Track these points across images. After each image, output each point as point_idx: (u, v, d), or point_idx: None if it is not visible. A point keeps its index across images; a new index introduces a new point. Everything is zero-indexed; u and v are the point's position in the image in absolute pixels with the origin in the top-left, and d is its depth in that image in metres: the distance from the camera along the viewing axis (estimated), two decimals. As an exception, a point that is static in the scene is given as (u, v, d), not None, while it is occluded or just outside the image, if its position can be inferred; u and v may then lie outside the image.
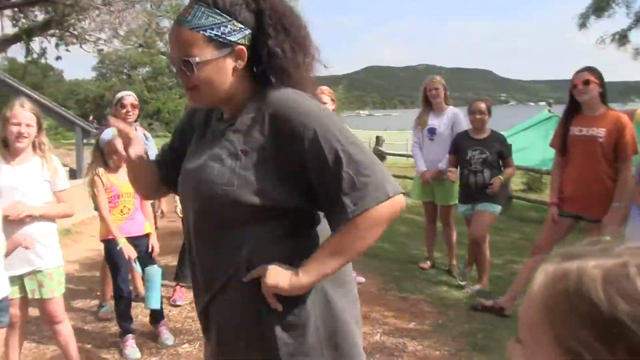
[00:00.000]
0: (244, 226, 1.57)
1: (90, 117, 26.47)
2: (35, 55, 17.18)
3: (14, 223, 3.26)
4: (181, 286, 5.36)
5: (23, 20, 15.67)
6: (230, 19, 1.54)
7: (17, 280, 3.43)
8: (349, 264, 1.70)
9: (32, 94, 9.75)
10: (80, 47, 17.27)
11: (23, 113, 3.39)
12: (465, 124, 5.70)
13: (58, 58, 17.23)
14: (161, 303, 4.46)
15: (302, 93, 1.59)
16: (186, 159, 1.76)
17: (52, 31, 15.79)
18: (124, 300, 4.31)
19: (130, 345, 4.23)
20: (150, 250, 4.36)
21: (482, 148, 5.31)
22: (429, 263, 6.27)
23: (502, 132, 6.32)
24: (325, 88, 5.32)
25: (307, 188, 1.55)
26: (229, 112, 1.69)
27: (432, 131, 5.94)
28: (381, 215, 1.50)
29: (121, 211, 4.27)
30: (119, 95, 4.95)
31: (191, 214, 1.69)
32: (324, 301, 1.63)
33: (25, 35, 15.63)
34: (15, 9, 15.24)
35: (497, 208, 5.35)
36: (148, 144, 5.09)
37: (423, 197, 6.18)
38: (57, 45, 16.51)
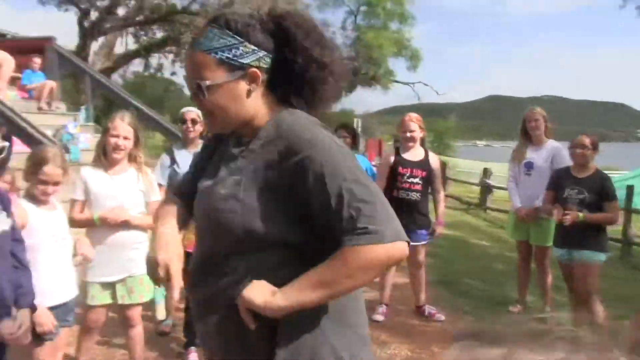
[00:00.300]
0: (245, 252, 1.50)
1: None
2: (152, 70, 18.20)
3: (109, 228, 3.46)
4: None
5: (144, 38, 16.66)
6: (242, 40, 1.49)
7: (109, 287, 3.56)
8: (360, 303, 1.61)
9: (143, 108, 10.15)
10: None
11: (122, 126, 3.52)
12: (567, 160, 5.27)
13: (173, 74, 18.17)
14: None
15: (316, 123, 1.51)
16: (201, 179, 1.70)
17: (168, 48, 16.64)
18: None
19: (193, 358, 4.21)
20: None
21: (581, 188, 4.82)
22: (519, 307, 5.81)
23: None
24: (413, 115, 5.17)
25: (308, 219, 1.46)
26: (247, 136, 1.61)
27: (529, 165, 5.57)
28: (374, 257, 1.37)
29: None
30: (182, 110, 4.99)
31: (200, 235, 1.66)
32: (320, 343, 1.48)
33: (144, 51, 16.59)
34: (137, 27, 16.22)
35: (602, 256, 4.81)
36: None
37: (517, 236, 5.78)
38: (172, 62, 17.43)
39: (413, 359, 4.47)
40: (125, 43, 16.59)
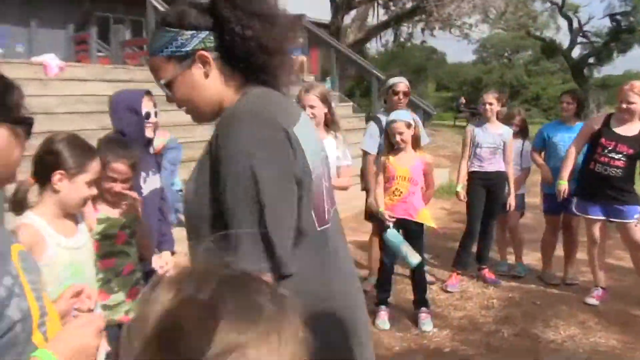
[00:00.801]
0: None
1: (461, 99, 27.29)
2: (401, 40, 18.58)
3: None
4: (457, 273, 5.31)
5: (393, 8, 17.05)
6: (178, 30, 1.51)
7: None
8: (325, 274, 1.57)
9: (381, 76, 10.53)
10: (449, 32, 18.08)
11: (307, 96, 3.78)
12: None
13: (423, 42, 18.29)
14: (426, 289, 4.53)
15: (260, 108, 1.48)
16: None
17: (417, 17, 16.80)
18: (385, 273, 4.50)
19: (382, 317, 4.42)
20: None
21: None
22: None
23: None
24: (637, 84, 4.53)
25: None
26: None
27: None
28: None
29: (393, 192, 4.38)
30: (391, 81, 5.06)
31: None
32: None
33: (394, 21, 16.98)
34: (387, -1, 16.71)
35: None
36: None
37: None
38: (422, 30, 17.56)
39: (619, 351, 4.04)
40: (377, 14, 17.18)
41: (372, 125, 4.93)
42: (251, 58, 1.51)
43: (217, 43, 1.52)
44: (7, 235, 1.29)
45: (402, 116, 4.36)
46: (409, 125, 4.30)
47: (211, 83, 1.54)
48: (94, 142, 2.59)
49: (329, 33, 15.56)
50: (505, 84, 41.13)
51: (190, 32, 1.51)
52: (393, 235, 4.17)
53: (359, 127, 10.17)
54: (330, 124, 3.93)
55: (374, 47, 24.79)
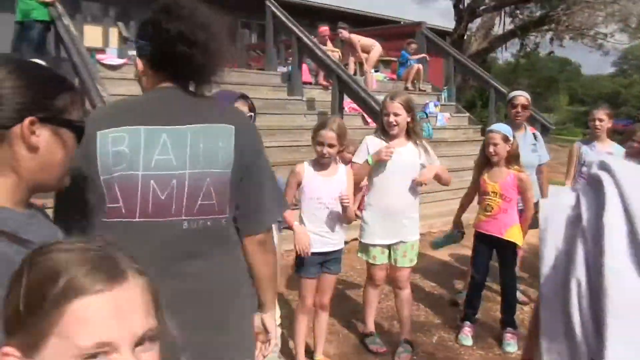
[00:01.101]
0: None
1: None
2: (528, 50, 17.87)
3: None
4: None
5: (520, 17, 16.46)
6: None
7: (386, 249, 3.97)
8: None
9: (500, 87, 10.23)
10: (581, 42, 17.17)
11: (392, 104, 3.81)
12: None
13: (550, 53, 17.49)
14: (515, 309, 4.38)
15: (112, 105, 1.98)
16: None
17: (546, 27, 16.09)
18: (474, 288, 4.40)
19: (465, 333, 4.34)
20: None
21: None
22: None
23: None
24: None
25: None
26: None
27: None
28: None
29: (485, 208, 4.28)
30: (511, 94, 4.95)
31: None
32: None
33: (520, 30, 16.37)
34: (513, 7, 16.11)
35: None
36: (537, 144, 4.95)
37: None
38: (550, 40, 16.81)
39: None
40: (503, 23, 16.66)
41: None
42: (168, 56, 1.76)
43: (149, 52, 1.82)
44: (54, 232, 1.31)
45: (501, 128, 4.24)
46: (505, 139, 4.16)
47: (144, 82, 1.90)
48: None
49: (452, 41, 15.33)
50: (646, 99, 38.32)
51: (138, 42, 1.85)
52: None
53: (474, 139, 9.94)
54: (411, 132, 3.89)
55: (505, 56, 24.05)
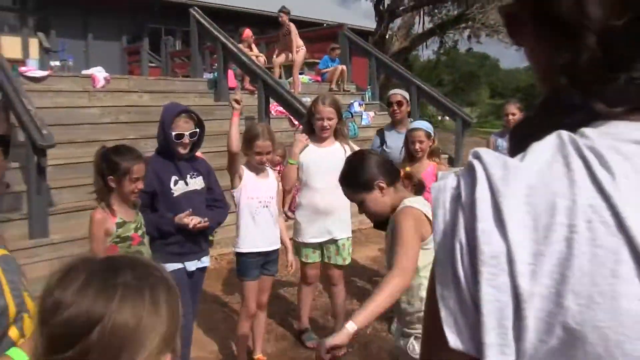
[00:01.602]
0: None
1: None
2: (447, 47, 18.49)
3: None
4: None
5: (438, 16, 17.03)
6: None
7: (317, 248, 4.12)
8: None
9: (421, 84, 10.59)
10: (497, 38, 17.89)
11: (324, 109, 3.96)
12: None
13: (469, 49, 18.17)
14: None
15: None
16: None
17: (463, 24, 16.71)
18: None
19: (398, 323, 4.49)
20: None
21: None
22: None
23: None
24: None
25: None
26: None
27: None
28: None
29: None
30: (389, 93, 5.24)
31: None
32: None
33: (439, 29, 16.94)
34: (431, 6, 16.66)
35: None
36: None
37: None
38: (468, 38, 17.47)
39: None
40: (422, 22, 17.18)
41: (375, 138, 5.21)
42: None
43: None
44: None
45: (424, 125, 4.45)
46: (429, 136, 4.38)
47: None
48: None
49: (374, 42, 15.69)
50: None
51: None
52: None
53: (396, 136, 10.25)
54: (338, 133, 4.07)
55: (426, 54, 24.68)
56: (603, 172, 0.62)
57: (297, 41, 10.64)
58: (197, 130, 3.43)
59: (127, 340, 0.86)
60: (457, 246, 0.65)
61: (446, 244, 0.66)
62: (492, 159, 0.66)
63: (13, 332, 1.41)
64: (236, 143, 3.62)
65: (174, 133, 3.31)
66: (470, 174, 0.67)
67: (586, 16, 0.66)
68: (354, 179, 2.57)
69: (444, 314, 0.66)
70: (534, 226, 0.62)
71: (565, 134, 0.66)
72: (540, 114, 0.74)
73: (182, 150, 3.37)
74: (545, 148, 0.66)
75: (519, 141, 0.70)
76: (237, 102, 3.67)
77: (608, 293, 0.58)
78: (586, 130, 0.66)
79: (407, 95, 5.14)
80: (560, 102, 0.69)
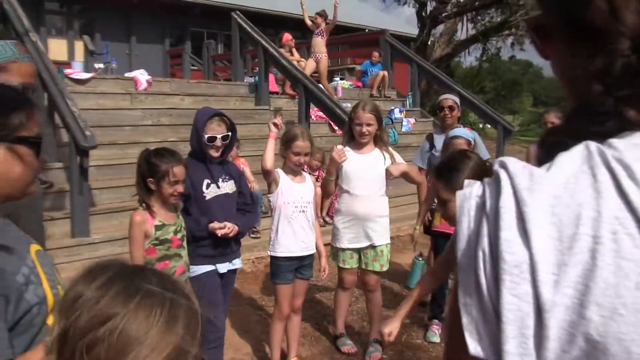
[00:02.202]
0: None
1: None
2: (490, 54, 18.26)
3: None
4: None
5: (481, 23, 16.83)
6: None
7: (355, 253, 4.11)
8: None
9: (462, 91, 10.48)
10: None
11: (364, 115, 3.95)
12: None
13: (511, 57, 17.91)
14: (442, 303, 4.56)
15: None
16: None
17: (507, 32, 16.48)
18: (440, 288, 4.52)
19: (433, 330, 4.52)
20: None
21: None
22: None
23: None
24: None
25: None
26: None
27: None
28: None
29: (443, 210, 4.45)
30: (440, 97, 5.18)
31: None
32: None
33: (482, 36, 16.74)
34: (474, 13, 16.47)
35: None
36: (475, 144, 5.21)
37: None
38: (512, 45, 17.23)
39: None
40: (466, 29, 17.02)
41: (424, 142, 5.13)
42: None
43: None
44: (26, 238, 1.48)
45: (463, 133, 4.40)
46: (469, 144, 4.32)
47: None
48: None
49: (416, 48, 15.59)
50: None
51: None
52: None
53: (438, 143, 10.15)
54: (378, 139, 4.05)
55: (468, 61, 24.46)
56: (630, 183, 0.61)
57: (320, 48, 10.48)
58: (229, 133, 3.44)
59: (132, 346, 0.85)
60: (480, 254, 0.65)
61: (469, 252, 0.67)
62: (518, 168, 0.66)
63: (51, 321, 1.43)
64: (270, 162, 3.65)
65: (206, 136, 3.34)
66: (495, 183, 0.67)
67: (621, 22, 0.66)
68: (449, 176, 2.52)
69: (465, 320, 0.66)
70: (558, 237, 0.62)
71: (593, 144, 0.66)
72: (571, 123, 0.74)
73: (214, 154, 3.40)
74: (572, 158, 0.66)
75: (548, 150, 0.71)
76: (276, 125, 3.69)
77: (632, 305, 0.58)
78: (614, 141, 0.65)
79: (458, 100, 5.09)
80: (592, 110, 0.69)
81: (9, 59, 2.15)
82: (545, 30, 0.77)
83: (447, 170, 2.56)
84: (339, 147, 4.04)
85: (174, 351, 0.87)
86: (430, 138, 5.08)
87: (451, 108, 4.96)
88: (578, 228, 0.61)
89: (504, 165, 0.67)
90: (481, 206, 0.67)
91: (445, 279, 3.51)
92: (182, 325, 0.90)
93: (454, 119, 5.00)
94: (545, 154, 0.71)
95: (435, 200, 4.60)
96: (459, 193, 0.71)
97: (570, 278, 0.60)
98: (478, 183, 0.70)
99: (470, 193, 0.69)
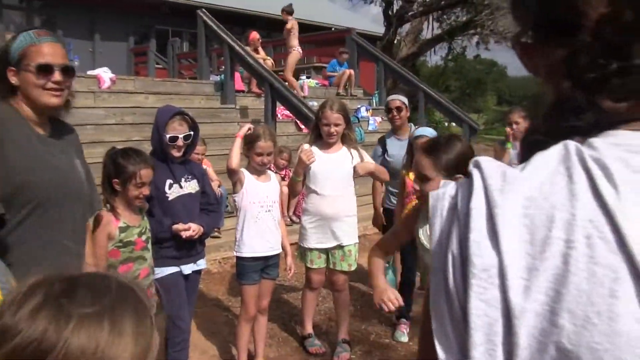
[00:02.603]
0: None
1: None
2: (456, 53, 18.44)
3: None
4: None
5: (447, 22, 16.99)
6: None
7: (323, 253, 4.08)
8: None
9: (428, 89, 10.56)
10: (506, 45, 17.83)
11: (332, 115, 3.91)
12: None
13: (477, 56, 18.12)
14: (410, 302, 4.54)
15: None
16: None
17: (472, 31, 16.67)
18: (406, 286, 4.54)
19: (401, 329, 4.51)
20: None
21: None
22: None
23: None
24: None
25: None
26: None
27: None
28: None
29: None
30: (388, 98, 5.15)
31: None
32: None
33: (447, 35, 16.90)
34: (440, 12, 16.62)
35: None
36: None
37: None
38: (477, 44, 17.43)
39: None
40: (431, 28, 17.15)
41: (377, 146, 5.07)
42: None
43: None
44: None
45: (428, 132, 4.40)
46: None
47: None
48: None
49: (382, 47, 15.64)
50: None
51: None
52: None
53: (404, 141, 10.21)
54: (346, 138, 4.02)
55: (434, 60, 24.72)
56: (607, 185, 0.59)
57: (291, 41, 10.65)
58: (192, 133, 3.39)
59: None
60: (450, 257, 0.64)
61: (440, 254, 0.65)
62: (492, 168, 0.64)
63: None
64: (235, 162, 3.61)
65: (168, 136, 3.28)
66: (468, 184, 0.66)
67: (579, 14, 0.65)
68: (437, 154, 2.50)
69: (435, 325, 0.65)
70: (530, 240, 0.60)
71: (572, 144, 0.64)
72: (547, 120, 0.72)
73: (175, 153, 3.34)
74: (549, 158, 0.64)
75: (529, 150, 0.68)
76: (249, 129, 3.67)
77: (605, 313, 0.56)
78: (595, 141, 0.63)
79: (406, 100, 4.99)
80: (566, 105, 0.68)
81: (27, 44, 2.12)
82: (526, 42, 0.75)
83: (437, 149, 2.56)
84: (306, 146, 4.00)
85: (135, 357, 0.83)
86: (382, 142, 5.01)
87: (399, 109, 4.87)
88: (551, 231, 0.59)
89: (477, 165, 0.65)
90: (453, 207, 0.65)
91: (392, 252, 3.47)
92: (131, 332, 0.84)
93: (403, 120, 4.92)
94: (525, 154, 0.69)
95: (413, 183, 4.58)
96: (432, 194, 0.69)
97: (541, 283, 0.58)
98: (452, 183, 0.68)
99: (443, 194, 0.67)
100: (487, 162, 0.65)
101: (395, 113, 4.85)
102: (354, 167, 3.95)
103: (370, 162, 4.10)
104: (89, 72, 8.89)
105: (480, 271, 0.60)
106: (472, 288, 0.60)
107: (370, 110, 10.95)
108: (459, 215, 0.64)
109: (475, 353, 0.60)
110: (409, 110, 5.04)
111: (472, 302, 0.60)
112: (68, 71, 2.19)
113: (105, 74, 8.33)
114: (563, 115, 0.68)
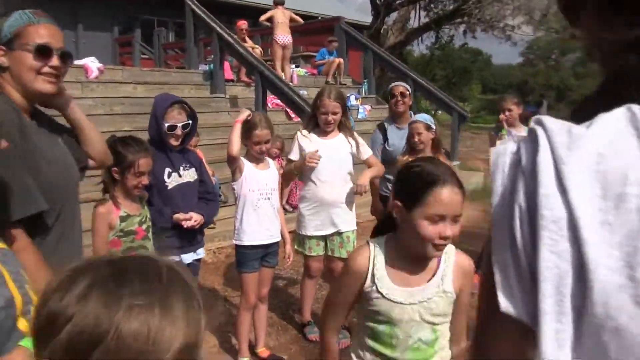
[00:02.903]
0: None
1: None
2: (443, 42, 18.47)
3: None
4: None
5: (434, 11, 17.00)
6: None
7: (321, 240, 4.06)
8: None
9: (417, 78, 10.54)
10: (492, 33, 17.91)
11: (331, 103, 3.88)
12: None
13: (464, 45, 18.16)
14: None
15: None
16: None
17: (459, 19, 16.69)
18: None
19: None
20: None
21: None
22: None
23: None
24: None
25: None
26: None
27: None
28: None
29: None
30: (391, 85, 5.13)
31: None
32: None
33: (434, 24, 16.91)
34: (427, 0, 16.64)
35: None
36: None
37: None
38: (464, 33, 17.47)
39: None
40: (418, 17, 17.15)
41: (376, 132, 5.04)
42: None
43: None
44: None
45: (422, 117, 4.40)
46: (428, 128, 4.32)
47: None
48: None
49: (369, 35, 15.61)
50: (551, 87, 40.23)
51: None
52: None
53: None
54: (342, 125, 4.01)
55: (421, 48, 24.76)
56: None
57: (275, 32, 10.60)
58: (190, 121, 3.35)
59: (139, 352, 0.77)
60: (517, 210, 0.64)
61: (504, 208, 0.66)
62: (556, 125, 0.65)
63: (22, 324, 1.32)
64: (236, 148, 3.54)
65: (166, 124, 3.25)
66: (532, 140, 0.66)
67: None
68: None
69: (498, 277, 0.65)
70: (602, 195, 0.60)
71: (636, 107, 0.64)
72: (605, 93, 0.72)
73: (174, 142, 3.32)
74: (615, 119, 0.64)
75: (581, 120, 0.68)
76: (248, 115, 3.62)
77: None
78: None
79: (409, 87, 5.03)
80: (629, 79, 0.68)
81: (23, 23, 1.92)
82: (574, 8, 0.76)
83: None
84: (305, 132, 4.00)
85: (186, 342, 0.80)
86: (382, 130, 5.00)
87: (403, 95, 4.88)
88: (625, 188, 0.59)
89: (540, 123, 0.65)
90: (516, 162, 0.66)
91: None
92: (182, 316, 0.82)
93: (406, 106, 4.92)
94: (579, 121, 0.68)
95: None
96: (492, 150, 0.70)
97: (616, 239, 0.58)
98: (512, 141, 0.68)
99: (504, 149, 0.68)
100: (549, 120, 0.65)
101: (399, 98, 4.85)
102: (357, 186, 3.97)
103: (366, 172, 4.09)
104: (76, 62, 8.77)
105: (550, 222, 0.60)
106: (542, 240, 0.60)
107: (360, 99, 10.93)
108: (524, 171, 0.64)
109: (544, 305, 0.60)
110: (411, 97, 5.04)
111: (543, 254, 0.60)
112: (65, 57, 2.04)
113: (92, 63, 8.22)
114: (622, 89, 0.68)
